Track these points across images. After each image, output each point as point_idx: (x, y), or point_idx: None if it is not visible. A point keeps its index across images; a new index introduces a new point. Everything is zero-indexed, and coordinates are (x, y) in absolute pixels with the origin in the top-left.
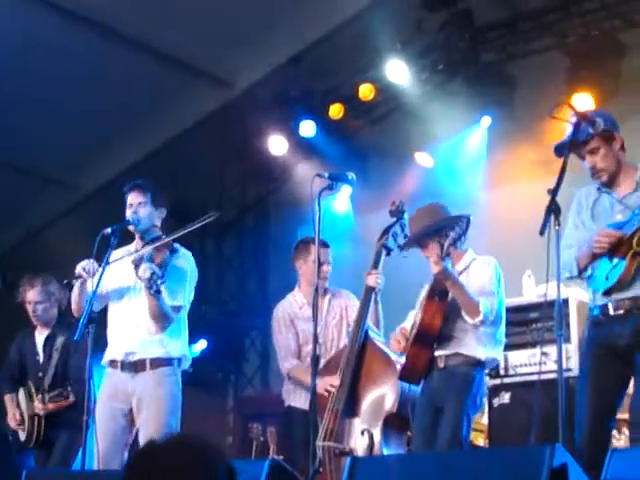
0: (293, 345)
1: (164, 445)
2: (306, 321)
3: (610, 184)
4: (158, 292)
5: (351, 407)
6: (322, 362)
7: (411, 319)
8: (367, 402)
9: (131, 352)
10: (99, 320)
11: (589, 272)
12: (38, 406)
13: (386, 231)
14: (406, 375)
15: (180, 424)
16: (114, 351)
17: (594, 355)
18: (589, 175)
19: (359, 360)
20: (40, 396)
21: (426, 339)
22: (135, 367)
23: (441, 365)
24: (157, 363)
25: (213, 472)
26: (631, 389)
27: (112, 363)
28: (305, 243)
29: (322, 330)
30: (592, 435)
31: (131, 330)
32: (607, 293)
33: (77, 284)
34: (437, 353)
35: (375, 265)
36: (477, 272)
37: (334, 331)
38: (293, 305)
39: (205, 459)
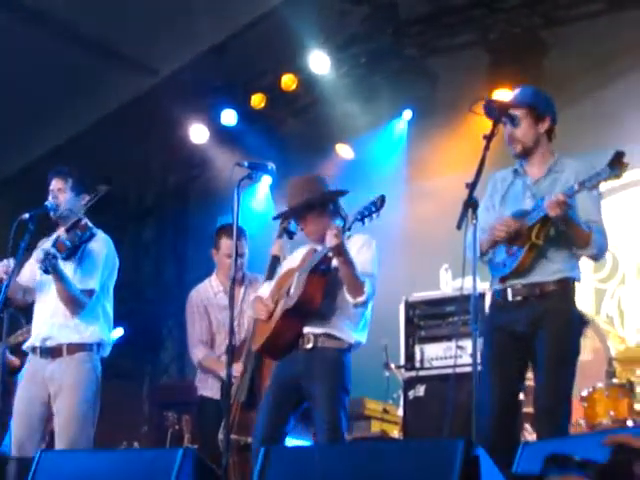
0: (205, 333)
1: None
2: (221, 309)
3: (524, 164)
4: (46, 272)
5: (253, 398)
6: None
7: (266, 289)
8: None
9: (48, 337)
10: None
11: (490, 256)
12: None
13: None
14: (266, 349)
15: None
16: (33, 337)
17: (496, 341)
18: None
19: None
20: None
21: (301, 314)
22: (52, 353)
23: (309, 345)
24: (74, 349)
25: None
26: (530, 382)
27: (32, 350)
28: (219, 232)
29: (237, 318)
30: (500, 422)
31: (48, 316)
32: (504, 280)
33: None
34: (306, 330)
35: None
36: (355, 251)
37: (249, 319)
38: (209, 290)
39: None
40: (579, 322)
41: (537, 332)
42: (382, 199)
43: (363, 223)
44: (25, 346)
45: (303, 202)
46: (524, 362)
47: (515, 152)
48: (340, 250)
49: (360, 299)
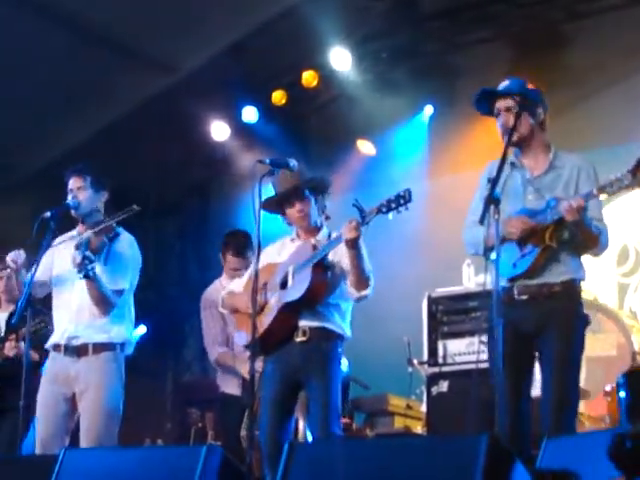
0: (220, 333)
1: None
2: None
3: (520, 156)
4: (87, 277)
5: None
6: None
7: (238, 284)
8: None
9: (74, 336)
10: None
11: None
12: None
13: None
14: (263, 342)
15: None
16: (58, 335)
17: (503, 338)
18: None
19: None
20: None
21: (300, 308)
22: (78, 352)
23: (304, 338)
24: (100, 348)
25: None
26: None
27: (56, 347)
28: (226, 244)
29: None
30: (516, 418)
31: (75, 314)
32: (512, 280)
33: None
34: (302, 324)
35: None
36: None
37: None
38: (219, 290)
39: None
40: (584, 321)
41: (543, 332)
42: (409, 193)
43: (387, 216)
44: (48, 344)
45: (291, 187)
46: (531, 358)
47: (512, 140)
48: (356, 243)
49: (365, 292)
